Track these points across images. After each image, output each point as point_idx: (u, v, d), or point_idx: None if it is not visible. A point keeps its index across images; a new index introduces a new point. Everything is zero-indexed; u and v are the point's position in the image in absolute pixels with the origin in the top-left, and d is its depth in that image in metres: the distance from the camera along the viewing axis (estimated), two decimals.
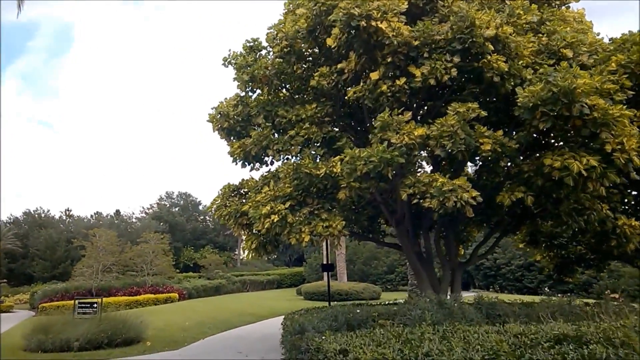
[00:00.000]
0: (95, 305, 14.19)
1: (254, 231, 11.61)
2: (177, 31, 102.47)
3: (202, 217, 64.36)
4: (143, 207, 65.72)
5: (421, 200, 8.82)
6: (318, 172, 9.71)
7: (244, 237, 12.84)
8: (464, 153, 8.64)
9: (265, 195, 10.53)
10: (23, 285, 43.60)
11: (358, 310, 7.19)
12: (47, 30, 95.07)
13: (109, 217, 59.53)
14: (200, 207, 63.84)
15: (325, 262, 19.80)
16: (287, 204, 10.10)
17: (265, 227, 9.95)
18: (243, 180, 13.00)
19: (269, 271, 48.07)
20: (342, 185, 9.59)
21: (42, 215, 56.01)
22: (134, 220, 62.00)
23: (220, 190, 12.89)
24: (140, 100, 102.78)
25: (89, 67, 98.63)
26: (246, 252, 14.07)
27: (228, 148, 12.17)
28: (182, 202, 65.55)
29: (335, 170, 9.49)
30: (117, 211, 61.58)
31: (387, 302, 12.72)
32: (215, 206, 12.64)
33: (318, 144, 10.79)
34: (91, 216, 59.16)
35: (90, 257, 31.89)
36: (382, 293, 31.55)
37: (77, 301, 14.18)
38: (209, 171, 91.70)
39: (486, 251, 13.65)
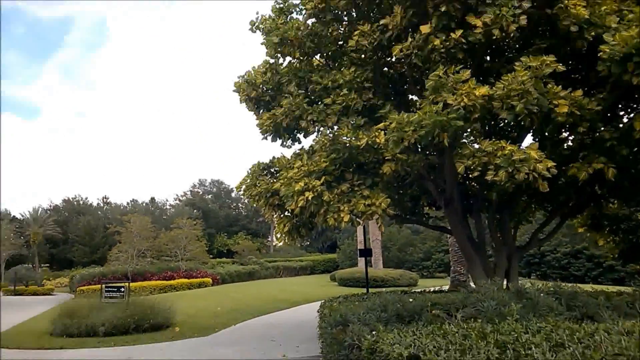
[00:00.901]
0: (122, 289, 13.63)
1: (286, 213, 10.64)
2: (205, 18, 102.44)
3: (234, 204, 64.49)
4: (177, 195, 66.37)
5: (482, 173, 7.50)
6: (359, 143, 8.52)
7: (276, 222, 11.86)
8: (533, 117, 7.25)
9: (298, 171, 9.42)
10: (64, 270, 44.97)
11: (411, 300, 6.03)
12: (83, 24, 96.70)
13: (144, 204, 60.47)
14: (233, 195, 63.88)
15: (363, 247, 18.68)
16: (323, 180, 8.99)
17: (299, 205, 8.87)
18: (274, 158, 11.96)
19: (302, 257, 47.62)
20: (386, 158, 8.39)
21: (81, 202, 57.38)
22: (168, 207, 62.88)
23: (249, 169, 11.89)
24: (173, 87, 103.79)
25: (123, 58, 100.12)
26: (279, 236, 13.11)
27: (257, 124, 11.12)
28: (214, 189, 65.87)
29: (378, 140, 8.25)
30: (152, 198, 62.52)
31: (432, 290, 11.54)
32: (244, 186, 11.66)
33: (358, 113, 9.53)
34: (127, 203, 60.35)
35: (125, 242, 32.24)
36: (419, 280, 30.37)
37: (103, 285, 13.62)
38: (241, 159, 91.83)
39: (547, 235, 12.19)
